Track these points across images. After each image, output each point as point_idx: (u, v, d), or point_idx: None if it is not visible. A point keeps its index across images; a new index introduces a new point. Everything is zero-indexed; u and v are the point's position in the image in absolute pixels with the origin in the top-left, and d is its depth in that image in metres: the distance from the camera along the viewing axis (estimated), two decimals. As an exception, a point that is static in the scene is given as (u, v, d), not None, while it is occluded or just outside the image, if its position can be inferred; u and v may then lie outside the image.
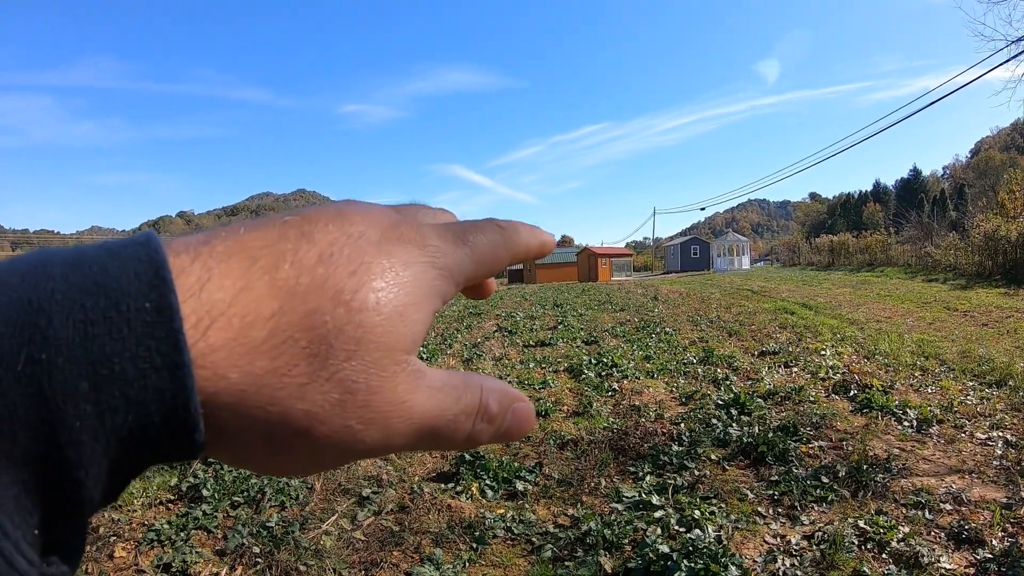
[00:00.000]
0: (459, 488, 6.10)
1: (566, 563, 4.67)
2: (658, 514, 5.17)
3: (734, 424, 7.31)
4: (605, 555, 4.68)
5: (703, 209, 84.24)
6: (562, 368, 11.83)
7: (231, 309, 0.31)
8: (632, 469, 6.30)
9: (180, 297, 0.30)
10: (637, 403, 8.71)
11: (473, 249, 0.41)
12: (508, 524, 5.30)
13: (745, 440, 6.70)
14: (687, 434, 7.07)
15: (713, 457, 6.48)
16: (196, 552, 5.22)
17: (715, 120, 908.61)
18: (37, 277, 0.28)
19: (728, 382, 9.54)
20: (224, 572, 4.95)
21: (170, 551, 5.32)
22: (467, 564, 4.75)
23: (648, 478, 5.98)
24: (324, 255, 0.34)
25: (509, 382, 9.23)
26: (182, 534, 5.57)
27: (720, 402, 8.28)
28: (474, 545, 4.99)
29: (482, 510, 5.62)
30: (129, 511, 6.42)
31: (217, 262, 0.32)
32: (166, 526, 5.72)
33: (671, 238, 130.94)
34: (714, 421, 7.44)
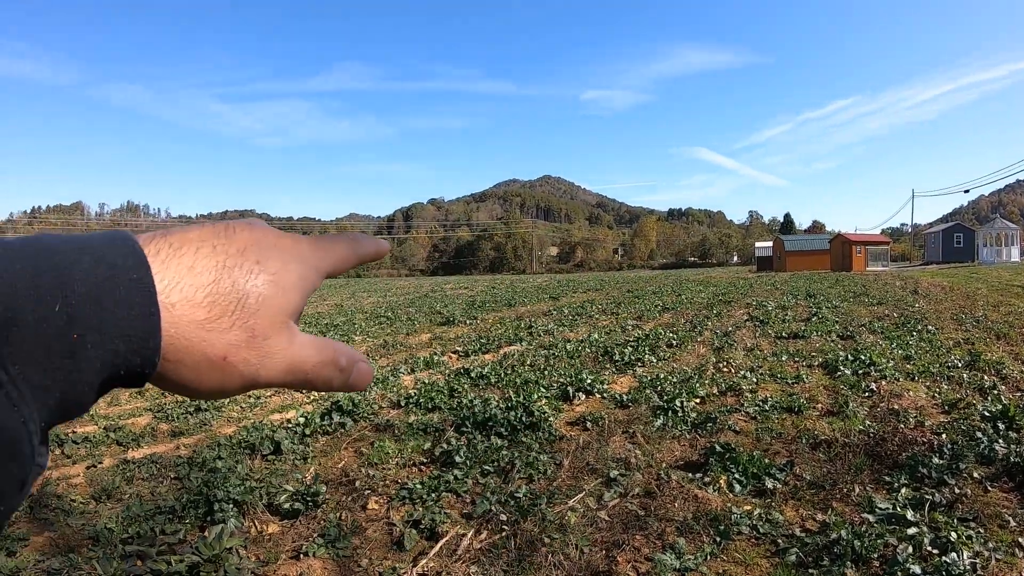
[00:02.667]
0: (707, 479, 6.03)
1: (810, 570, 4.49)
2: (911, 531, 4.81)
3: (1000, 440, 6.64)
4: (852, 567, 4.45)
5: (967, 191, 76.79)
6: (816, 363, 11.30)
7: (183, 280, 0.50)
8: (887, 479, 5.88)
9: (152, 271, 0.48)
10: (896, 407, 8.10)
11: (329, 252, 0.61)
12: (754, 522, 5.17)
13: (1012, 459, 6.05)
14: (948, 446, 6.50)
15: (975, 475, 5.89)
16: (444, 513, 5.59)
17: (974, 88, 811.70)
18: (70, 252, 0.46)
19: (995, 392, 8.67)
20: (470, 534, 5.26)
21: (420, 509, 5.75)
22: (708, 557, 4.70)
23: (903, 490, 5.57)
24: (240, 248, 0.53)
25: (760, 374, 9.03)
26: (433, 495, 5.98)
27: (986, 414, 7.54)
28: (717, 539, 4.93)
29: (729, 504, 5.52)
30: (384, 469, 6.98)
31: (173, 251, 0.51)
32: (418, 486, 6.17)
33: (930, 224, 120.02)
34: (979, 435, 6.79)
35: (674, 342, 14.27)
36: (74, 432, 9.55)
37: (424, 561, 4.88)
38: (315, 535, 5.49)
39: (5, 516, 0.44)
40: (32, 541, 6.12)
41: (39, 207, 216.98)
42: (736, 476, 6.03)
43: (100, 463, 8.25)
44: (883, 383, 9.40)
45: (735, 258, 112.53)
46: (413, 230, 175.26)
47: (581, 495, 5.81)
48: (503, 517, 5.35)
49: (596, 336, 15.85)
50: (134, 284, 0.47)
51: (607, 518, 5.37)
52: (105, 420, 10.40)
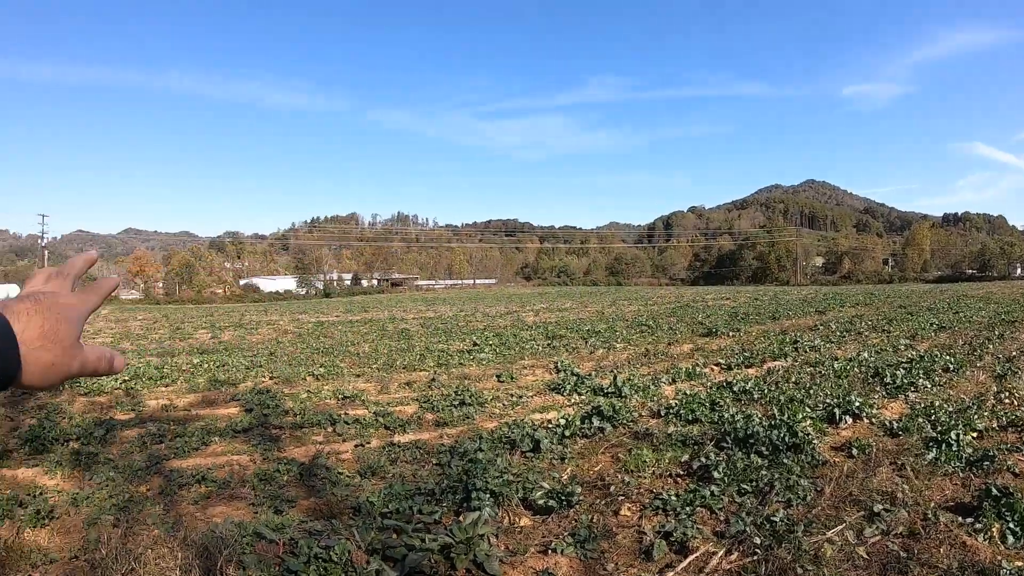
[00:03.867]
0: (978, 525, 5.38)
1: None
2: None
3: None
4: None
5: None
6: None
7: (29, 327, 0.90)
8: None
9: (12, 325, 0.88)
10: None
11: (88, 299, 1.02)
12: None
13: None
14: None
15: None
16: (697, 528, 5.50)
17: None
18: None
19: None
20: (720, 553, 5.12)
21: (672, 521, 5.70)
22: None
23: None
24: (49, 307, 0.94)
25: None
26: (687, 508, 5.91)
27: None
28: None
29: (999, 557, 4.88)
30: (639, 476, 7.00)
31: (22, 315, 0.90)
32: (673, 497, 6.12)
33: None
34: None
35: (951, 366, 12.86)
36: (346, 414, 10.56)
37: (671, 574, 4.84)
38: (565, 533, 5.65)
39: None
40: (299, 504, 6.90)
41: (318, 217, 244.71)
42: (1011, 526, 5.30)
43: (368, 443, 9.09)
44: None
45: (1019, 270, 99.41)
46: (673, 238, 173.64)
47: (840, 527, 5.42)
48: (757, 540, 5.15)
49: (866, 355, 14.71)
50: (5, 334, 0.87)
51: (865, 556, 4.97)
52: (375, 406, 11.43)
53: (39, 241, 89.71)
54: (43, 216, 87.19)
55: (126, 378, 15.44)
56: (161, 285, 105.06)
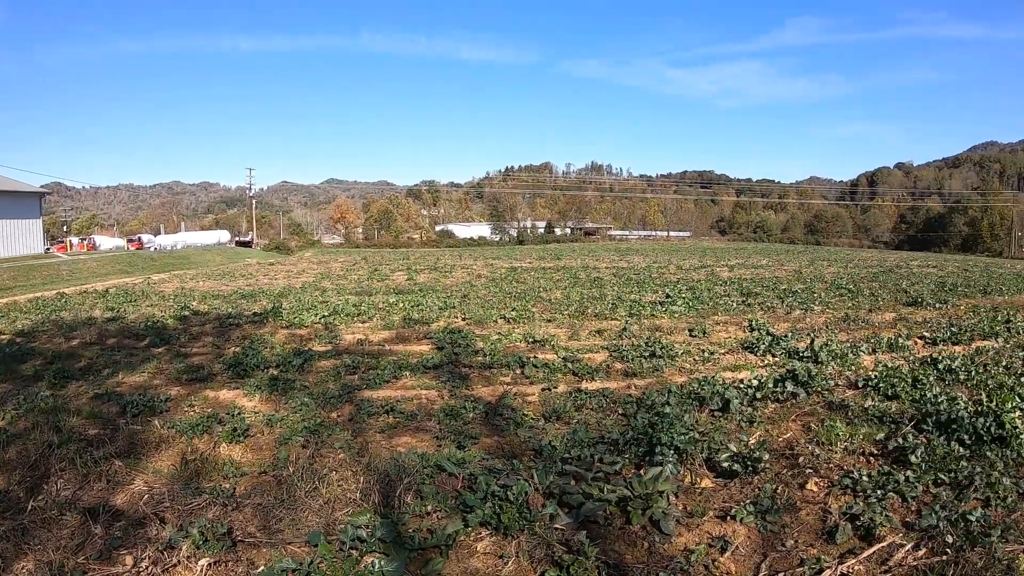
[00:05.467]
0: None
1: None
2: None
3: None
4: None
5: None
6: None
7: None
8: None
9: None
10: None
11: None
12: None
13: None
14: None
15: None
16: (886, 515, 5.34)
17: None
18: None
19: None
20: (908, 547, 4.99)
21: (860, 503, 5.57)
22: None
23: None
24: None
25: None
26: (878, 492, 5.75)
27: None
28: None
29: None
30: (830, 450, 6.81)
31: None
32: (864, 478, 5.95)
33: None
34: None
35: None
36: (535, 358, 10.82)
37: (852, 561, 4.78)
38: (747, 501, 5.65)
39: None
40: (482, 441, 7.25)
41: (512, 166, 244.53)
42: None
43: (555, 388, 9.35)
44: None
45: None
46: (878, 197, 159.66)
47: (1045, 539, 5.01)
48: (949, 539, 4.92)
49: (1100, 346, 13.12)
50: None
51: (1068, 577, 4.57)
52: (564, 352, 11.66)
53: (247, 192, 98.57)
54: (250, 169, 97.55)
55: (326, 313, 16.70)
56: (361, 231, 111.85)
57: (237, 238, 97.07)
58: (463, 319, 16.13)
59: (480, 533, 5.16)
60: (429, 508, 5.49)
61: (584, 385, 9.48)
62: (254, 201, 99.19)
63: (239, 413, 8.10)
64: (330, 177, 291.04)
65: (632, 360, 10.86)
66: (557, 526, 5.22)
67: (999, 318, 16.92)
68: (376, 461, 6.54)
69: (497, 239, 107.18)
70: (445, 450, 6.91)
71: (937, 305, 19.72)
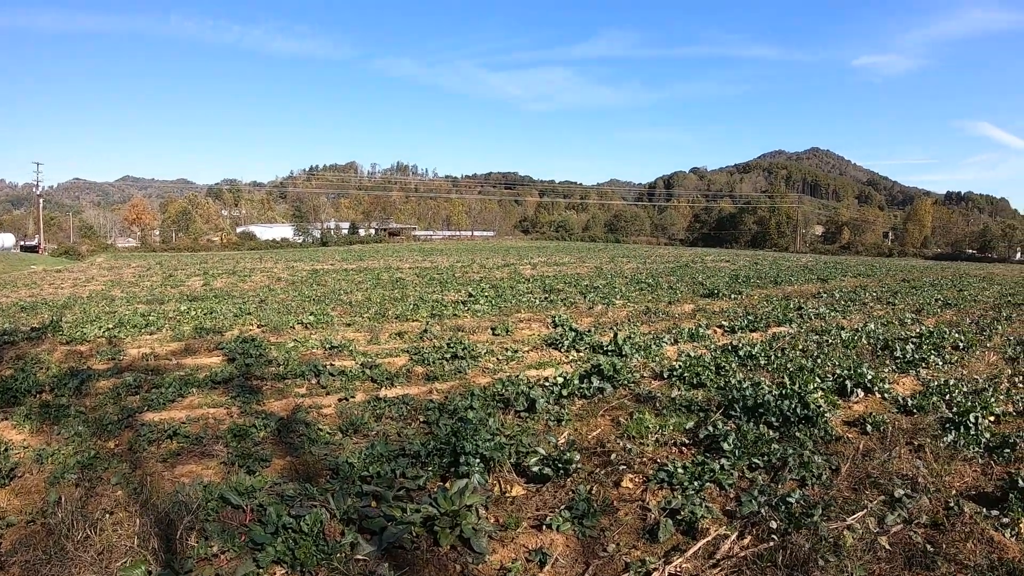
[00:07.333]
0: (1005, 520, 4.95)
1: None
2: None
3: None
4: None
5: None
6: None
7: None
8: None
9: None
10: None
11: None
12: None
13: None
14: None
15: None
16: (706, 507, 5.07)
17: None
18: None
19: None
20: (733, 537, 4.69)
21: (679, 497, 5.27)
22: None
23: None
24: None
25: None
26: (695, 483, 5.47)
27: None
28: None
29: None
30: (641, 444, 6.55)
31: None
32: (679, 470, 5.68)
33: None
34: None
35: (960, 344, 12.44)
36: (332, 365, 10.07)
37: (678, 560, 4.40)
38: (562, 506, 5.21)
39: None
40: (274, 463, 6.41)
41: (317, 166, 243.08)
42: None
43: (353, 397, 8.62)
44: None
45: (1019, 254, 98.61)
46: (674, 199, 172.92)
47: (861, 514, 4.98)
48: (773, 524, 4.69)
49: (873, 327, 14.25)
50: None
51: (888, 547, 4.52)
52: (364, 357, 10.94)
53: (34, 190, 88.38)
54: (38, 164, 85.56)
55: (110, 326, 14.93)
56: (158, 233, 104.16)
57: (23, 242, 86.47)
58: (258, 326, 14.92)
59: (274, 573, 4.43)
60: (215, 549, 4.61)
61: (384, 392, 8.82)
62: (42, 200, 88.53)
63: (5, 450, 6.76)
64: (126, 174, 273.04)
65: (434, 363, 10.34)
66: (359, 556, 4.53)
67: (791, 305, 18.16)
68: (156, 497, 5.55)
69: (300, 241, 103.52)
70: (233, 477, 5.96)
71: (732, 296, 20.98)
